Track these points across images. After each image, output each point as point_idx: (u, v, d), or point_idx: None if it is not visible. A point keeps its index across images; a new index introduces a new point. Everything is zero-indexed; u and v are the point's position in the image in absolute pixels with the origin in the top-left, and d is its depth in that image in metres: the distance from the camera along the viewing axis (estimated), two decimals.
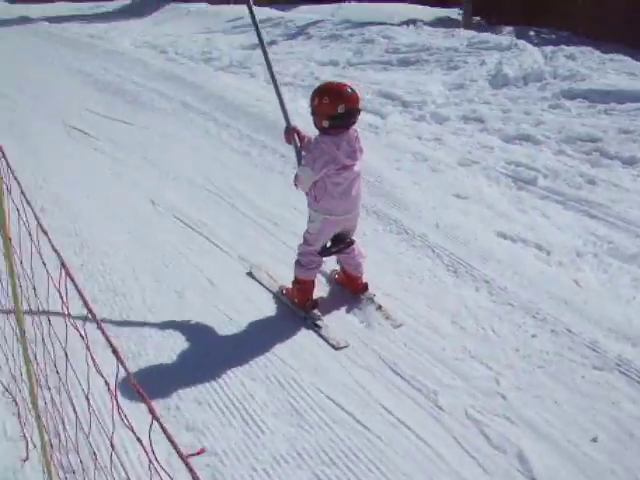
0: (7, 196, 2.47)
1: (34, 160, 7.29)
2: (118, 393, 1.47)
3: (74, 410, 2.38)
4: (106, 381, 1.47)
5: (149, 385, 3.48)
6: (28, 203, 2.15)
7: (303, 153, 4.26)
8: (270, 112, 8.54)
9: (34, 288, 2.45)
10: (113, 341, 1.39)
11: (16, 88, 11.04)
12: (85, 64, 13.04)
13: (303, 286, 4.29)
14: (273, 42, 14.44)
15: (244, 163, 6.98)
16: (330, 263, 4.61)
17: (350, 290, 4.50)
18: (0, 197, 2.54)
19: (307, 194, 4.19)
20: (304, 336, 4.00)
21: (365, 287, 4.45)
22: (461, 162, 6.85)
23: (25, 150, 7.61)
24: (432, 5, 19.29)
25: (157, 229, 5.46)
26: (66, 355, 1.96)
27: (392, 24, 14.77)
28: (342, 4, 20.22)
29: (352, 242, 4.29)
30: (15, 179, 2.28)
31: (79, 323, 1.68)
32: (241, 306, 4.27)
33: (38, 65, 13.39)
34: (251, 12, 4.68)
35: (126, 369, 1.30)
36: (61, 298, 1.85)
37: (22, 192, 2.21)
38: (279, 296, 4.45)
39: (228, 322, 4.09)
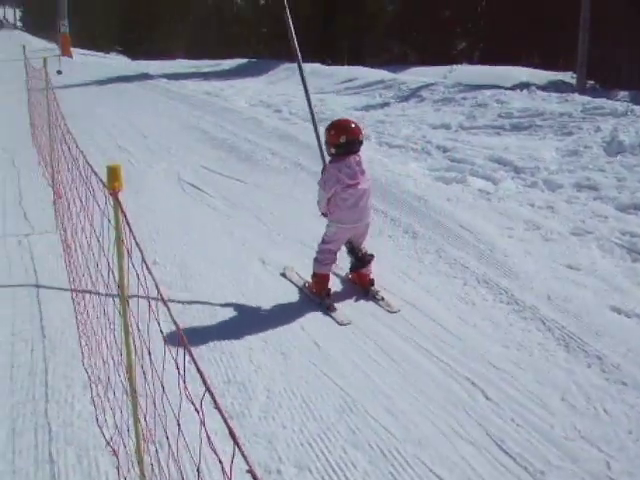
0: (127, 257, 2.57)
1: (149, 213, 7.54)
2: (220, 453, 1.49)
3: (182, 476, 2.42)
4: (208, 436, 1.50)
5: (252, 447, 3.53)
6: (144, 262, 2.23)
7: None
8: (382, 175, 8.62)
9: (149, 353, 2.51)
10: (219, 400, 1.42)
11: (134, 142, 11.53)
12: (201, 121, 13.49)
13: (320, 279, 5.35)
14: (385, 104, 14.61)
15: None
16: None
17: (360, 286, 5.51)
18: (121, 260, 2.64)
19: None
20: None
21: (372, 282, 5.45)
22: (574, 231, 6.71)
23: (140, 203, 7.89)
24: (545, 68, 19.19)
25: (266, 289, 5.54)
26: (178, 425, 2.00)
27: (505, 87, 14.75)
28: (454, 66, 20.36)
29: (372, 257, 5.42)
30: (131, 232, 2.37)
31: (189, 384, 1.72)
32: (347, 371, 4.25)
33: (155, 120, 13.94)
34: (300, 67, 6.41)
35: (231, 430, 1.33)
36: (175, 363, 1.90)
37: (138, 245, 2.30)
38: (302, 289, 5.50)
39: (333, 387, 4.08)
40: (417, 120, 12.53)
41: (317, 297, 5.30)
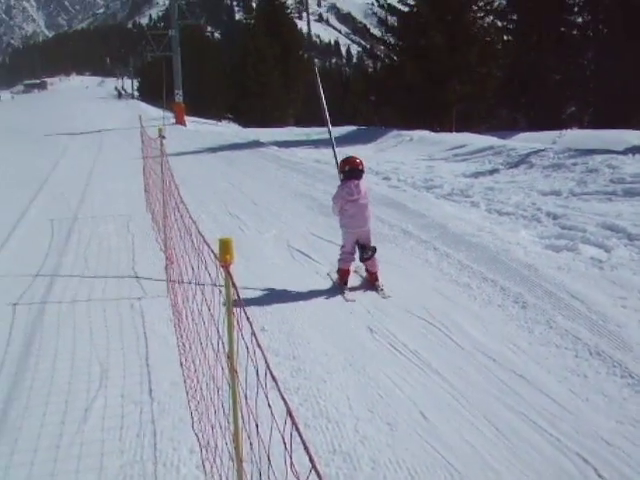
0: (237, 331, 2.68)
1: (258, 280, 7.73)
2: None
3: None
4: None
5: None
6: (254, 335, 2.33)
7: None
8: (491, 243, 8.59)
9: (257, 424, 2.59)
10: (324, 470, 1.48)
11: (244, 209, 11.88)
12: (310, 188, 13.77)
13: (342, 273, 7.60)
14: (495, 170, 14.58)
15: (463, 294, 6.99)
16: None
17: (369, 281, 7.61)
18: (231, 330, 2.75)
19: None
20: None
21: (376, 278, 7.54)
22: None
23: (250, 270, 8.10)
24: None
25: (373, 357, 5.57)
26: None
27: (617, 152, 14.48)
28: (564, 131, 20.12)
29: (375, 251, 7.47)
30: (242, 307, 2.48)
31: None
32: (454, 444, 4.23)
33: (266, 188, 14.32)
34: (329, 130, 9.35)
35: None
36: (284, 443, 1.97)
37: (248, 319, 2.41)
38: (331, 279, 7.79)
39: (440, 460, 4.06)
40: (527, 187, 12.44)
41: (339, 286, 7.50)
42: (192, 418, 4.45)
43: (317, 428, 4.46)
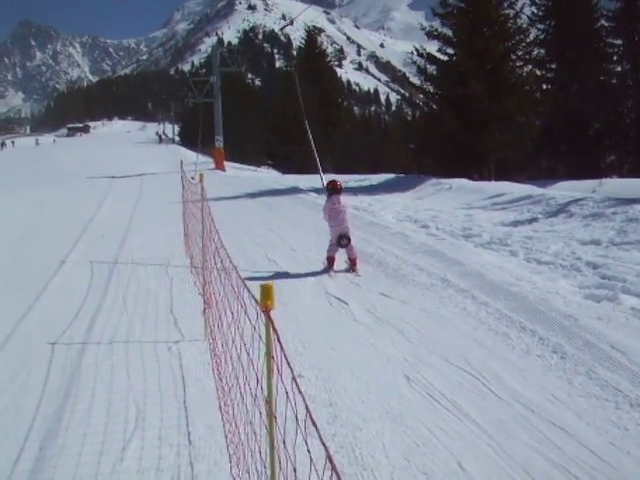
0: (277, 376, 2.70)
1: (296, 326, 7.77)
2: None
3: None
4: None
5: None
6: (294, 380, 2.34)
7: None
8: (530, 292, 8.53)
9: (294, 469, 2.60)
10: None
11: (283, 255, 11.97)
12: None
13: (329, 259, 10.77)
14: (534, 219, 14.51)
15: (501, 344, 6.93)
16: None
17: (350, 266, 10.79)
18: (270, 375, 2.77)
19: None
20: None
21: (355, 263, 10.66)
22: None
23: (288, 315, 8.13)
24: None
25: (410, 405, 5.54)
26: None
27: None
28: (603, 180, 20.00)
29: (349, 241, 10.68)
30: (282, 350, 2.50)
31: None
32: None
33: (305, 234, 14.41)
34: (321, 178, 16.24)
35: None
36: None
37: (289, 364, 2.42)
38: (323, 264, 10.94)
39: None
40: (566, 236, 12.34)
41: (328, 269, 10.75)
42: (230, 462, 4.45)
43: (352, 475, 4.44)
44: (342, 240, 10.68)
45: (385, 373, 6.29)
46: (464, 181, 22.38)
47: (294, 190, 25.26)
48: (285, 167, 53.24)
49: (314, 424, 2.08)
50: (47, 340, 7.37)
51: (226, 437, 4.74)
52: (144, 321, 8.13)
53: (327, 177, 20.17)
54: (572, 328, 7.19)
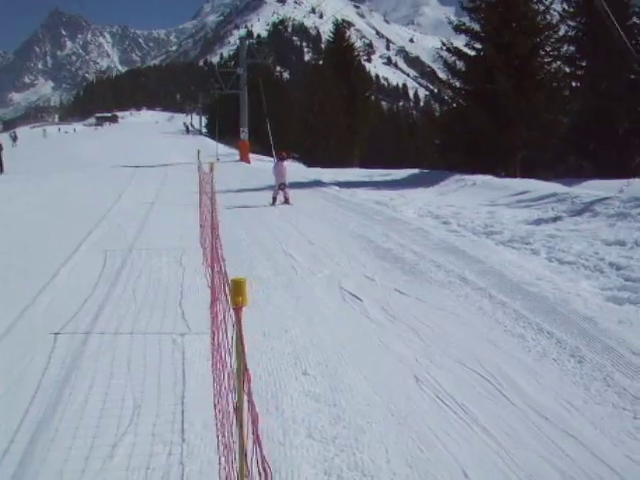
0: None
1: (306, 321, 7.60)
2: None
3: None
4: None
5: None
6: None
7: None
8: (550, 293, 8.26)
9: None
10: None
11: (299, 248, 11.78)
12: (367, 230, 13.59)
13: (273, 199, 19.04)
14: (557, 218, 14.18)
15: (516, 346, 6.67)
16: None
17: (285, 201, 18.95)
18: (240, 377, 2.56)
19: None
20: None
21: (288, 201, 18.91)
22: None
23: (298, 310, 7.97)
24: None
25: (417, 408, 5.31)
26: None
27: None
28: (631, 180, 19.55)
29: (285, 186, 18.95)
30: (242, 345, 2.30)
31: None
32: None
33: (323, 227, 14.24)
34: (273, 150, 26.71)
35: None
36: None
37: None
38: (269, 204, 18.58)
39: None
40: (590, 235, 12.01)
41: (272, 203, 18.73)
42: (219, 463, 4.25)
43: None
44: (281, 185, 18.91)
45: (394, 373, 6.06)
46: (489, 177, 22.09)
47: (316, 183, 25.08)
48: (311, 160, 53.07)
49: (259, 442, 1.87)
50: (51, 330, 7.22)
51: (217, 436, 4.53)
52: (151, 312, 7.95)
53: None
54: (591, 331, 6.91)
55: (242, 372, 2.32)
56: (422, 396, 5.55)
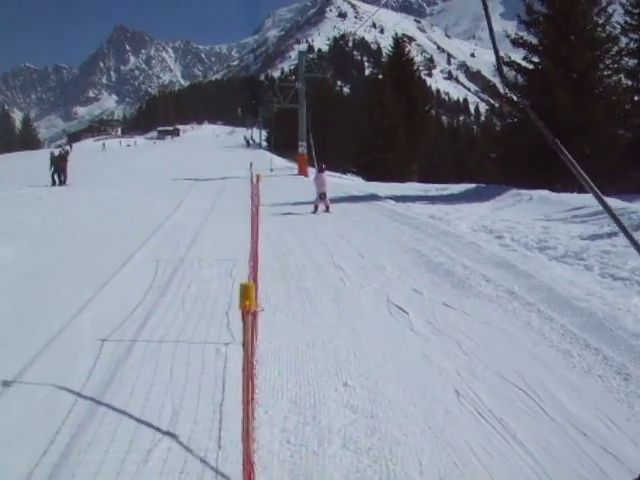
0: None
1: (351, 333, 7.60)
2: None
3: None
4: None
5: None
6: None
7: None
8: (599, 309, 8.12)
9: None
10: None
11: (350, 261, 11.79)
12: (420, 243, 13.53)
13: (315, 208, 19.83)
14: (613, 234, 13.91)
15: (562, 362, 6.57)
16: None
17: (325, 210, 19.79)
18: (247, 381, 2.58)
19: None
20: None
21: (328, 210, 19.76)
22: None
23: (343, 322, 7.99)
24: None
25: (455, 422, 5.28)
26: None
27: None
28: None
29: (326, 196, 19.82)
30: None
31: None
32: None
33: (375, 241, 14.22)
34: (315, 163, 27.66)
35: None
36: None
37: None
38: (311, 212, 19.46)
39: None
40: None
41: (314, 211, 19.69)
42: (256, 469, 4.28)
43: None
44: (322, 195, 19.80)
45: (434, 386, 6.03)
46: (546, 192, 21.80)
47: (372, 197, 25.05)
48: (370, 174, 53.12)
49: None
50: (98, 337, 7.36)
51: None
52: (198, 322, 8.06)
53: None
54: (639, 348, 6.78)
55: (248, 376, 2.35)
56: (461, 409, 5.51)
